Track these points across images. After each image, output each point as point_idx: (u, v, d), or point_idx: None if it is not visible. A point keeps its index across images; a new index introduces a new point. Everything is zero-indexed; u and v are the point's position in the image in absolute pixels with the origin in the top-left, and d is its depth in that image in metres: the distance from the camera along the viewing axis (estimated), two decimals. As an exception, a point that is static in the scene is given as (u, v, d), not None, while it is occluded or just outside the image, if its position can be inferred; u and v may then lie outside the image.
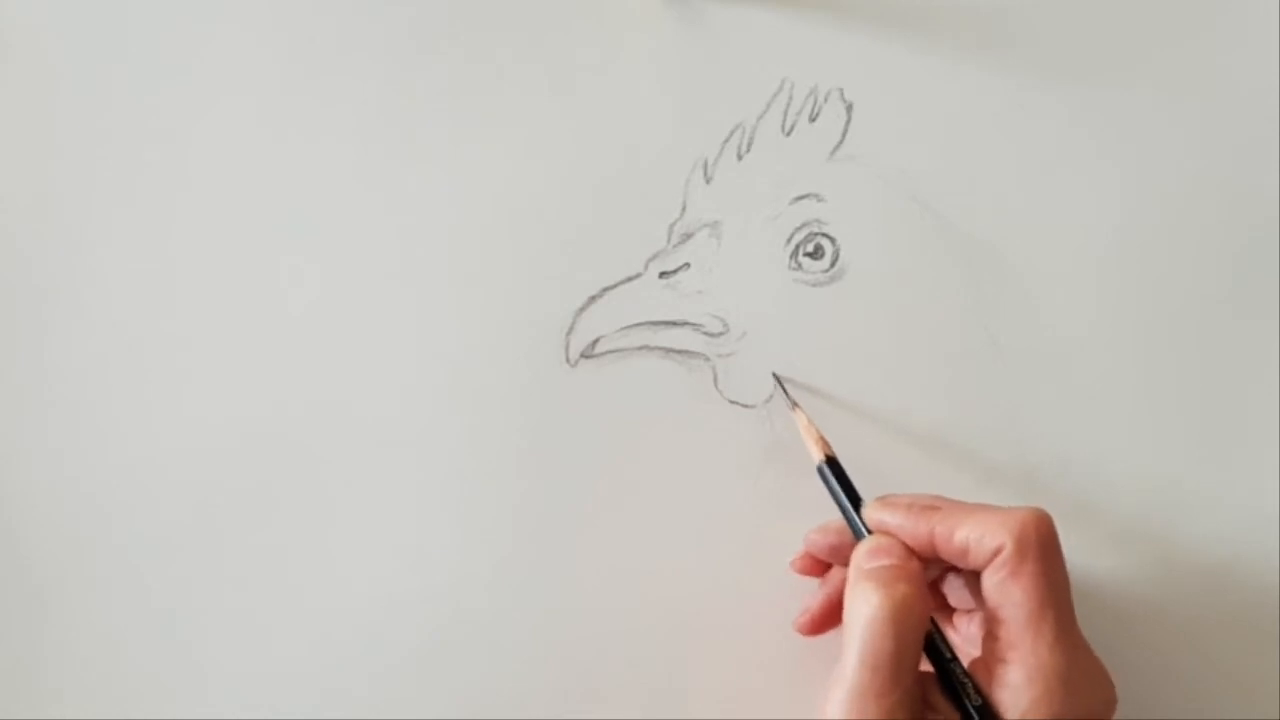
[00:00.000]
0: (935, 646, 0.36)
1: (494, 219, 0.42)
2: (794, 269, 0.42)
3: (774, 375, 0.42)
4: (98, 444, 0.42)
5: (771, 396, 0.42)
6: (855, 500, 0.38)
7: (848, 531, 0.39)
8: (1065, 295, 0.42)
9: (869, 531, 0.38)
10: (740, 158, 0.43)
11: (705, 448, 0.41)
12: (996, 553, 0.35)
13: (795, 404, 0.41)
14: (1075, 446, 0.42)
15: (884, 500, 0.38)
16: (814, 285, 0.42)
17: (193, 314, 0.42)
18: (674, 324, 0.42)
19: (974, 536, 0.35)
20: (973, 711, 0.35)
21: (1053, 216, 0.42)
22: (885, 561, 0.36)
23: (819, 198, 0.42)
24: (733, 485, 0.41)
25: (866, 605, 0.34)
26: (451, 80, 0.43)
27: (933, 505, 0.37)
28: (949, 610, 0.39)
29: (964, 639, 0.38)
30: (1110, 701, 0.35)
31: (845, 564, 0.38)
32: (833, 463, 0.39)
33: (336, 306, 0.42)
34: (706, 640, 0.41)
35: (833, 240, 0.42)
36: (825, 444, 0.40)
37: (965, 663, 0.36)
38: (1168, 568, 0.41)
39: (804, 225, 0.42)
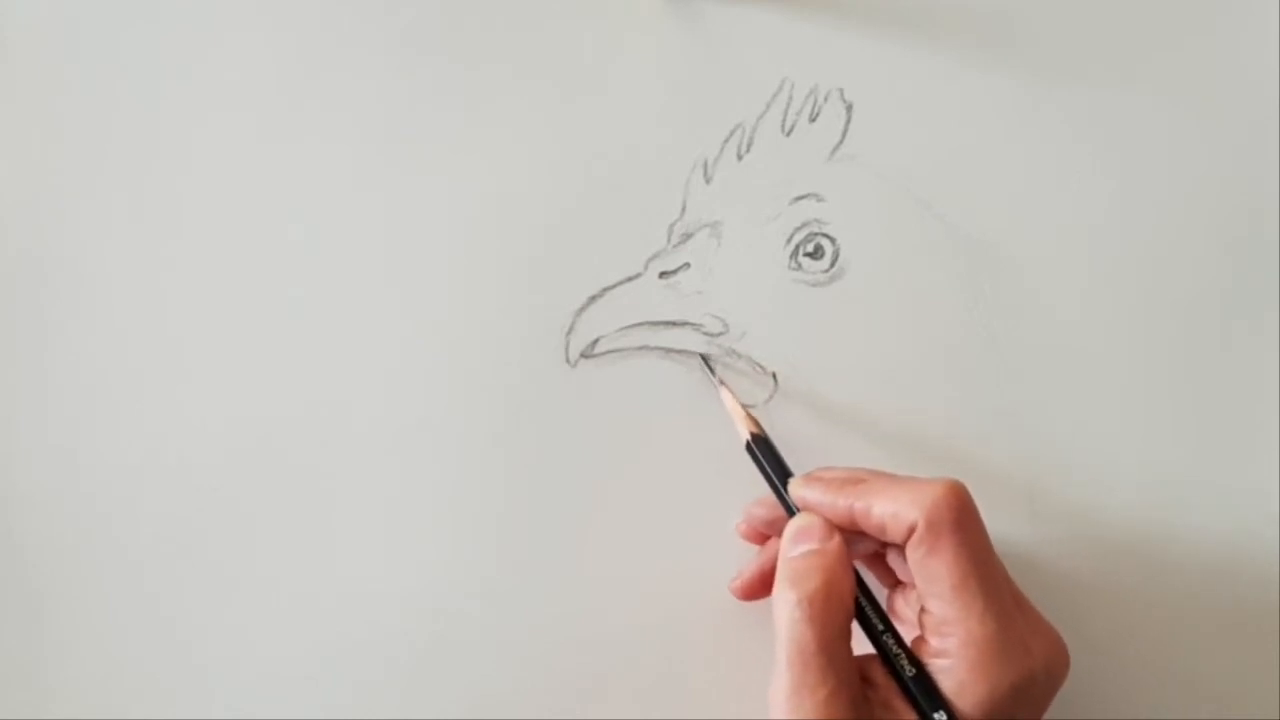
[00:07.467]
0: (867, 620, 0.36)
1: (493, 219, 0.42)
2: (794, 269, 0.42)
3: (700, 357, 0.42)
4: (98, 444, 0.42)
5: (772, 396, 0.42)
6: (786, 478, 0.38)
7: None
8: (1065, 294, 0.42)
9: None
10: (740, 158, 0.43)
11: (705, 448, 0.41)
12: (911, 530, 0.35)
13: (722, 382, 0.41)
14: (1075, 445, 0.42)
15: (809, 476, 0.38)
16: (814, 285, 0.42)
17: (192, 315, 0.42)
18: (674, 324, 0.42)
19: (888, 513, 0.35)
20: (908, 683, 0.35)
21: (1053, 216, 0.42)
22: (804, 548, 0.36)
23: (819, 198, 0.42)
24: (732, 485, 0.41)
25: (785, 605, 0.35)
26: (451, 81, 0.43)
27: (856, 478, 0.37)
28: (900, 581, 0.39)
29: (913, 611, 0.38)
30: (1057, 659, 0.35)
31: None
32: (761, 441, 0.39)
33: (336, 308, 0.42)
34: (706, 640, 0.41)
35: (833, 240, 0.42)
36: (753, 421, 0.40)
37: (909, 638, 0.36)
38: (1168, 566, 0.41)
39: (804, 225, 0.42)
